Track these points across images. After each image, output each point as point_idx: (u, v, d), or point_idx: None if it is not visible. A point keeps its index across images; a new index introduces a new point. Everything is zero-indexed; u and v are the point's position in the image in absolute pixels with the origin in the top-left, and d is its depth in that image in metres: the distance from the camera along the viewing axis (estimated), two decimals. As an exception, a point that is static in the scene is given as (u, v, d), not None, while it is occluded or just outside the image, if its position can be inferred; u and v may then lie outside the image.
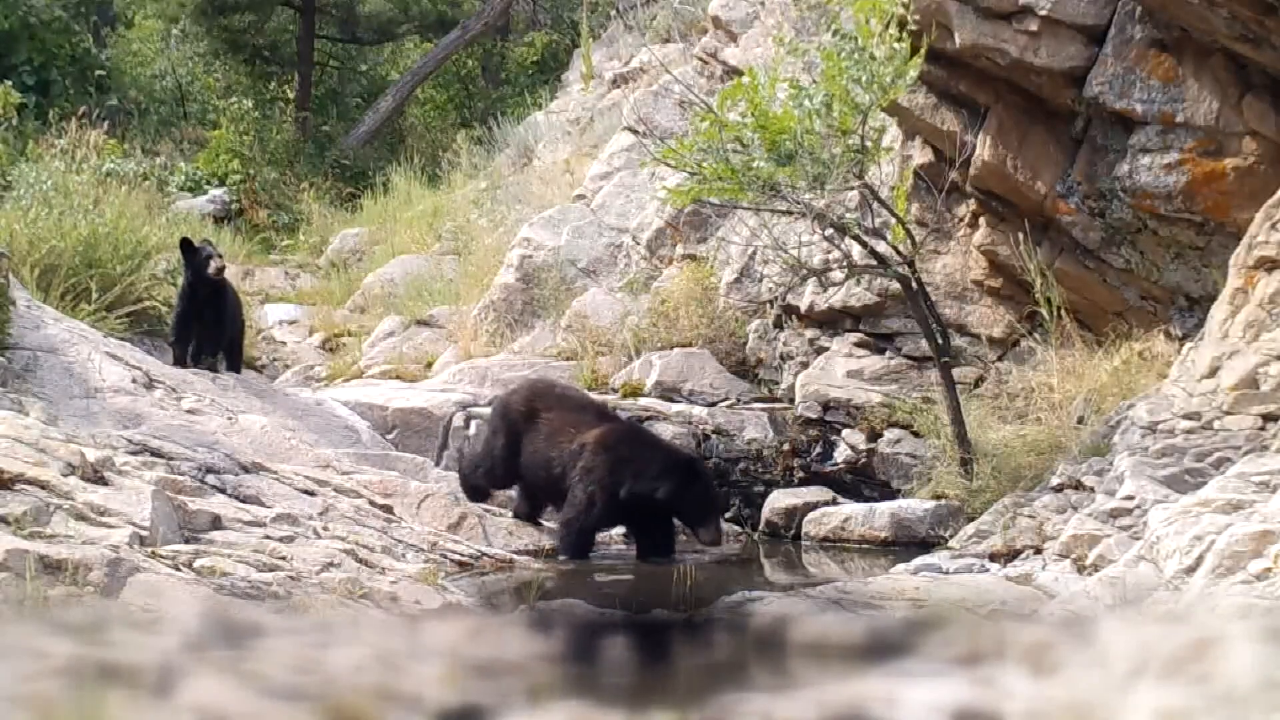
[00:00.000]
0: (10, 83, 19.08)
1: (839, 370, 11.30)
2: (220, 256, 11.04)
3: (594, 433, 8.97)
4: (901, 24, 8.97)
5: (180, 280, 11.29)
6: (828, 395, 11.10)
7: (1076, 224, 10.10)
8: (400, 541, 8.00)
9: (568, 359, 12.65)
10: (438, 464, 10.53)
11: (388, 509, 8.59)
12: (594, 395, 11.08)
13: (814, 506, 10.09)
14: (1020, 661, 2.16)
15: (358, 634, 2.44)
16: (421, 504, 8.99)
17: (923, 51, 8.98)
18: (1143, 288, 10.13)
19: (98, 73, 23.05)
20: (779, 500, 10.34)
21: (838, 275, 10.30)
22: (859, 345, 11.51)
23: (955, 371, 9.83)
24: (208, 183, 21.29)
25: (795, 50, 9.31)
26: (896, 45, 8.83)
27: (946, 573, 7.73)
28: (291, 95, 24.17)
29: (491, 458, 9.34)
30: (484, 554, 8.44)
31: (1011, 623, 5.85)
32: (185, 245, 11.00)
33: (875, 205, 9.59)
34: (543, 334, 13.33)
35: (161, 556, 6.42)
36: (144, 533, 6.56)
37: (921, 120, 10.58)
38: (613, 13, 19.68)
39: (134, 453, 7.92)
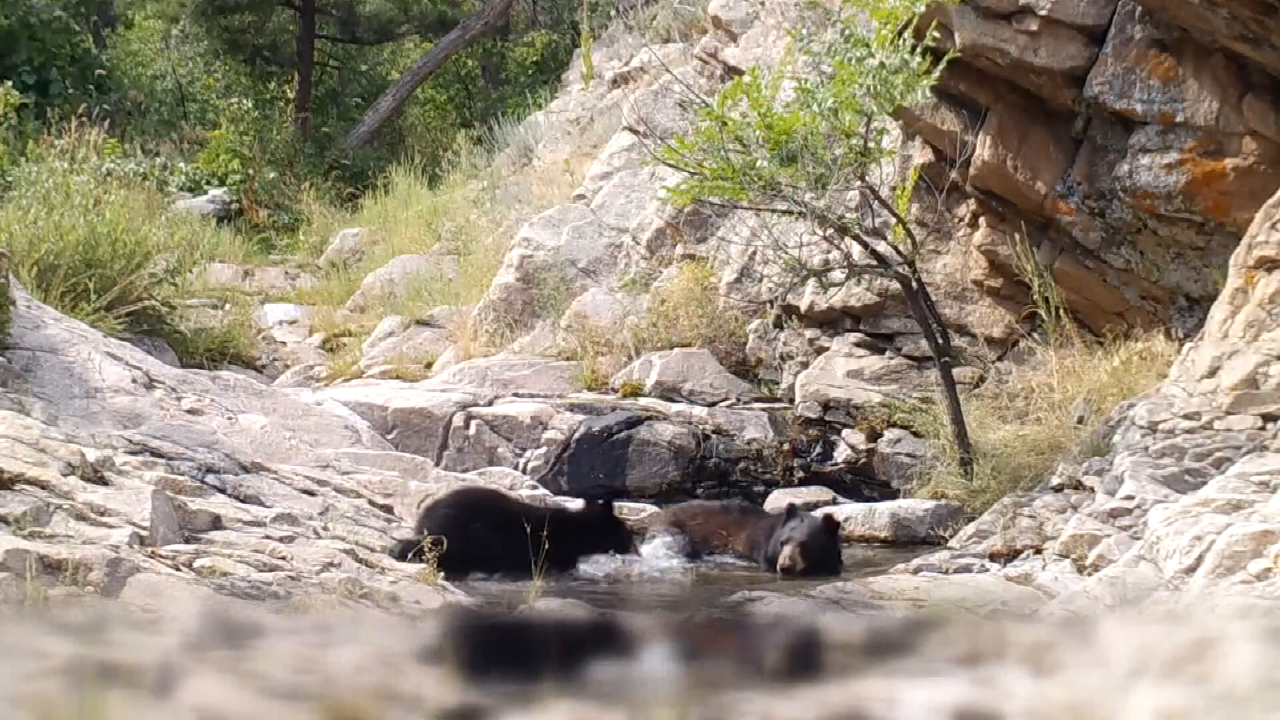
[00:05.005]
0: (10, 83, 19.06)
1: (839, 370, 11.30)
2: None
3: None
4: (919, 33, 8.93)
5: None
6: (828, 395, 11.10)
7: (1076, 224, 10.10)
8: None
9: (567, 359, 12.65)
10: (438, 464, 10.52)
11: (388, 509, 8.58)
12: (592, 395, 11.03)
13: (814, 506, 10.07)
14: (1020, 661, 2.16)
15: (358, 634, 2.44)
16: (421, 504, 8.98)
17: (940, 68, 8.95)
18: (1143, 288, 10.13)
19: (98, 73, 23.04)
20: (779, 500, 10.33)
21: (838, 275, 10.30)
22: (859, 345, 11.51)
23: (955, 371, 9.82)
24: (208, 183, 21.28)
25: (809, 50, 9.27)
26: (908, 56, 8.79)
27: (946, 573, 7.73)
28: (291, 95, 24.15)
29: None
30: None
31: (1011, 623, 5.85)
32: None
33: (875, 205, 9.58)
34: (543, 334, 13.33)
35: (161, 556, 6.42)
36: (144, 533, 6.55)
37: (921, 120, 10.57)
38: (613, 13, 19.68)
39: (134, 453, 7.90)
